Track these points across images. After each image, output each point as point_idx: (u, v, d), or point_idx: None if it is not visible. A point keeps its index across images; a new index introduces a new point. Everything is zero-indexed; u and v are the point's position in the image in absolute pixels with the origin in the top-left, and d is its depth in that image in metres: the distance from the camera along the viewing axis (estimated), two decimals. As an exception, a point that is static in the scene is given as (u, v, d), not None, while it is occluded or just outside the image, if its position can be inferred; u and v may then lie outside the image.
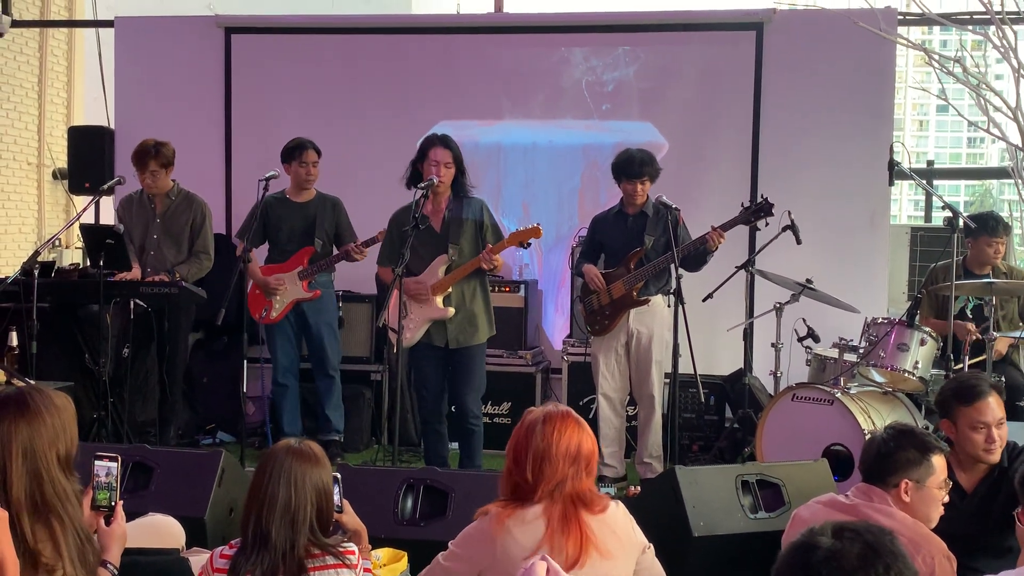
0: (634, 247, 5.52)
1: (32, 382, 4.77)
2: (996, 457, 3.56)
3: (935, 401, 3.84)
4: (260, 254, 6.20)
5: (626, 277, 5.49)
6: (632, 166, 5.49)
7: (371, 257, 5.91)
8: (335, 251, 6.11)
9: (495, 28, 7.46)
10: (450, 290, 5.20)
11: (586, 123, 7.09)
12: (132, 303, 5.62)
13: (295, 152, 6.03)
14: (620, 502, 2.88)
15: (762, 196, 5.42)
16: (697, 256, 5.42)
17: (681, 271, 5.22)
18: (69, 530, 2.46)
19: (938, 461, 3.06)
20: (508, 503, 2.81)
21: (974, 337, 5.39)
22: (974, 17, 6.88)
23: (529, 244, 5.20)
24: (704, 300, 5.66)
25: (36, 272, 5.44)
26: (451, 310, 5.19)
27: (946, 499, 3.12)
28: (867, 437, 3.25)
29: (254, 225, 5.84)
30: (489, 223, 5.27)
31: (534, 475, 2.75)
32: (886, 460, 3.05)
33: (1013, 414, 4.85)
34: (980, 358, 5.33)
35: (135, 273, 5.85)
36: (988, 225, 5.62)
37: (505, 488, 2.83)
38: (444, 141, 5.20)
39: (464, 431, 5.32)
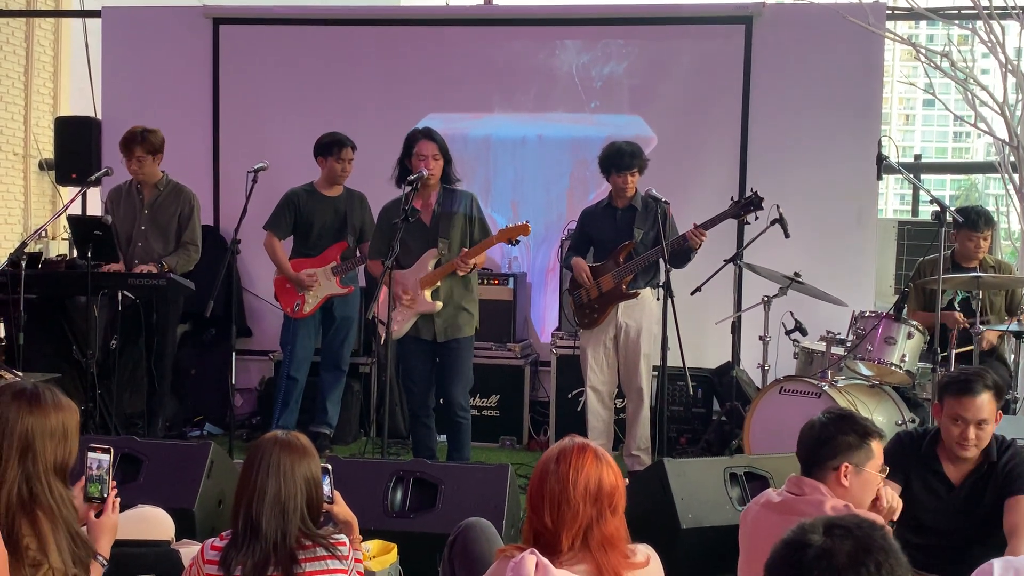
0: (623, 240, 5.52)
1: (19, 374, 4.76)
2: (969, 454, 3.57)
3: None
4: (283, 247, 6.14)
5: (615, 270, 5.50)
6: (621, 158, 5.49)
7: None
8: (360, 247, 6.11)
9: (485, 20, 7.45)
10: (439, 284, 5.20)
11: (576, 117, 7.09)
12: (120, 295, 5.59)
13: (333, 148, 5.99)
14: (652, 549, 2.55)
15: (752, 190, 5.43)
16: (680, 253, 5.43)
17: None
18: (60, 527, 2.46)
19: (877, 447, 3.04)
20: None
21: (962, 326, 5.42)
22: (962, 12, 6.92)
23: (518, 241, 5.19)
24: (692, 293, 5.67)
25: (23, 263, 5.41)
26: (439, 304, 5.18)
27: (882, 483, 3.11)
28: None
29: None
30: (478, 218, 5.26)
31: (554, 521, 2.40)
32: (826, 445, 3.02)
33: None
34: (967, 348, 5.36)
35: (119, 266, 5.82)
36: (970, 220, 5.65)
37: (527, 535, 2.49)
38: (428, 134, 5.19)
39: (452, 424, 5.33)
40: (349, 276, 6.11)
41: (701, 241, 5.33)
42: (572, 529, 2.38)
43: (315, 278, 6.01)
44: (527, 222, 5.13)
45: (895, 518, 3.15)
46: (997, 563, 2.33)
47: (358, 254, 6.10)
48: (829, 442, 3.03)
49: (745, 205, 5.38)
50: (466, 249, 5.14)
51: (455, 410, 5.29)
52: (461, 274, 5.15)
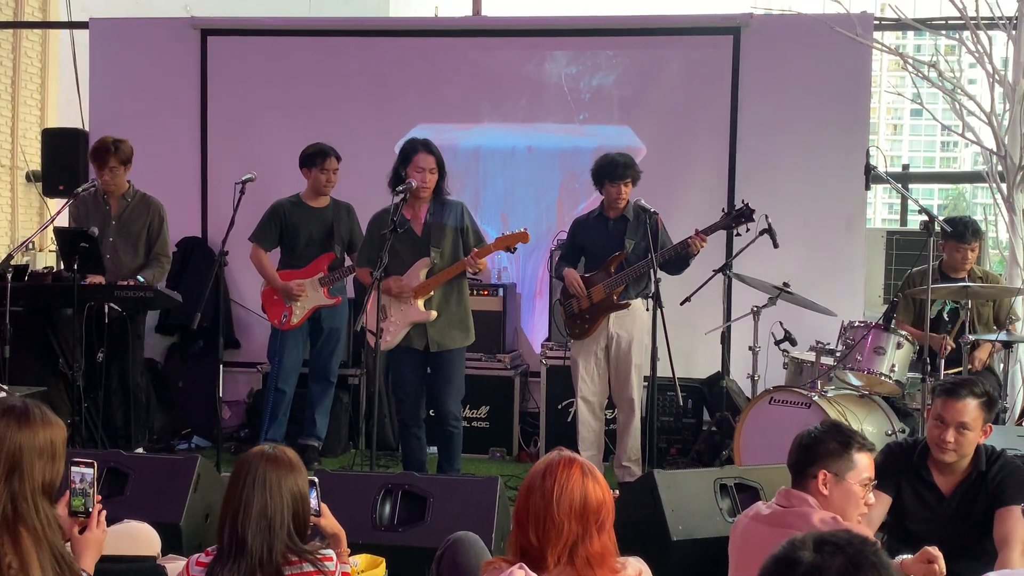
0: (615, 251, 5.52)
1: (5, 387, 4.73)
2: (947, 457, 3.58)
3: None
4: (269, 258, 6.11)
5: (606, 281, 5.50)
6: (615, 169, 5.50)
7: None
8: (347, 258, 6.08)
9: (474, 31, 7.45)
10: (432, 293, 5.19)
11: (565, 127, 7.08)
12: (106, 307, 5.55)
13: (316, 158, 5.98)
14: (641, 560, 2.53)
15: (743, 201, 5.43)
16: (679, 260, 5.43)
17: (661, 274, 5.23)
18: (44, 548, 2.43)
19: (860, 458, 3.04)
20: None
21: (949, 348, 5.42)
22: (948, 22, 6.93)
23: (516, 249, 5.18)
24: (682, 303, 5.67)
25: (9, 276, 5.37)
26: (433, 313, 5.17)
27: (871, 500, 3.11)
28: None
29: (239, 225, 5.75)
30: (471, 226, 5.27)
31: (539, 538, 2.37)
32: (807, 451, 3.05)
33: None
34: (956, 369, 5.35)
35: (100, 278, 5.73)
36: (957, 231, 5.64)
37: (514, 549, 2.45)
38: (427, 146, 5.18)
39: (444, 434, 5.31)
40: (337, 287, 6.09)
41: (700, 247, 5.33)
42: (557, 546, 2.35)
43: (303, 289, 5.99)
44: (525, 229, 5.12)
45: None
46: None
47: (347, 263, 6.08)
48: (810, 449, 3.06)
49: (736, 216, 5.38)
50: (476, 249, 5.13)
51: (448, 420, 5.27)
52: (471, 271, 5.14)
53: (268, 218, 6.01)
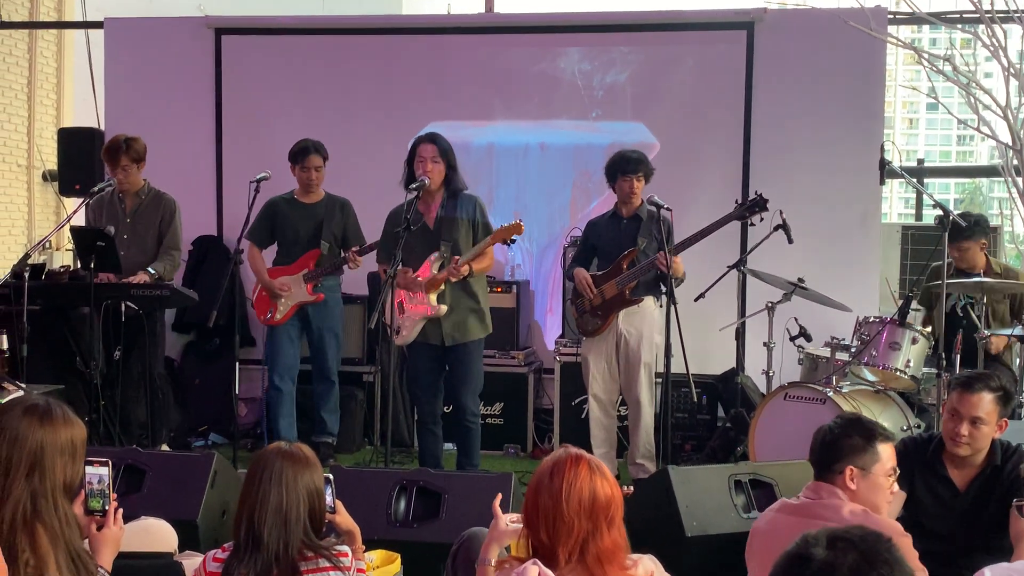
0: (627, 249, 5.52)
1: (23, 386, 4.76)
2: (961, 451, 3.59)
3: None
4: (267, 255, 6.15)
5: (618, 277, 5.50)
6: (627, 163, 5.52)
7: (365, 260, 5.94)
8: (343, 253, 6.09)
9: (486, 28, 7.45)
10: (443, 287, 5.19)
11: (578, 124, 7.08)
12: (123, 306, 5.58)
13: (298, 156, 5.99)
14: (654, 559, 2.54)
15: (756, 192, 5.42)
16: (652, 282, 5.47)
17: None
18: (61, 546, 2.44)
19: (884, 449, 3.05)
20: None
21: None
22: (963, 16, 6.91)
23: (514, 241, 5.17)
24: (696, 299, 5.66)
25: (26, 275, 5.40)
26: (443, 307, 5.17)
27: (895, 488, 3.12)
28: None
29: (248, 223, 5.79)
30: (481, 221, 5.25)
31: (550, 536, 2.38)
32: (831, 448, 3.05)
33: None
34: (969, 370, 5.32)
35: (113, 276, 5.74)
36: (956, 229, 5.56)
37: (524, 550, 2.47)
38: (431, 137, 5.19)
39: (462, 429, 5.30)
40: (326, 284, 6.06)
41: (670, 266, 5.13)
42: (568, 544, 2.36)
43: (286, 285, 5.99)
44: (519, 221, 5.10)
45: None
46: (988, 571, 2.32)
47: (343, 255, 6.03)
48: (834, 445, 3.06)
49: (750, 207, 5.38)
50: (457, 257, 5.12)
51: (466, 416, 5.27)
52: (454, 279, 5.13)
53: (260, 216, 6.01)
